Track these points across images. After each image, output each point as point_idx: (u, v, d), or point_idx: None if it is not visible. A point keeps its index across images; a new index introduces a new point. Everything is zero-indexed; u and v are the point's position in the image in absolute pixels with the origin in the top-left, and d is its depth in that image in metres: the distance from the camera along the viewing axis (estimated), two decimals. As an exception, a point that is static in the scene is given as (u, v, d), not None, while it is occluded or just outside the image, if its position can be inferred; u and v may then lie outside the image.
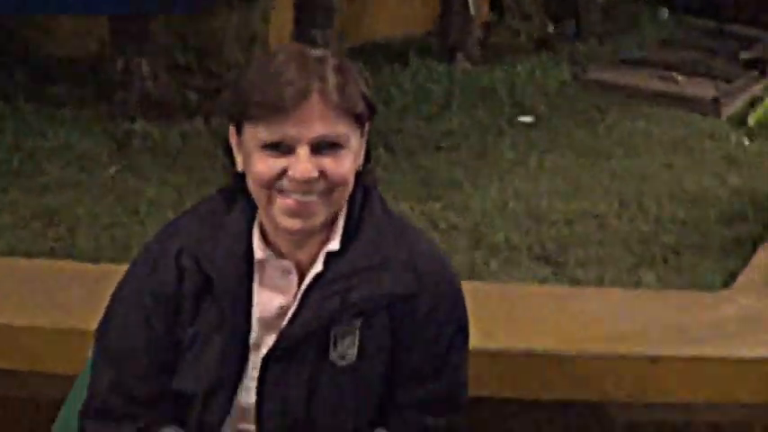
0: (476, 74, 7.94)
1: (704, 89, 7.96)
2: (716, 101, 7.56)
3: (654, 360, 3.38)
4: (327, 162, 1.80)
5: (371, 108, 1.92)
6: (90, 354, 2.19)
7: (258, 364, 1.96)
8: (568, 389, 3.34)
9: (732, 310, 3.76)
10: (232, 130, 1.92)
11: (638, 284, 4.30)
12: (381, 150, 5.79)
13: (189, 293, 1.94)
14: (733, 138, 6.79)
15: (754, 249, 4.56)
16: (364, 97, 1.88)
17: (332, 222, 1.95)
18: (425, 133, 6.34)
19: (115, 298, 2.06)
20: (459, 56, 8.33)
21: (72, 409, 2.19)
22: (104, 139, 5.92)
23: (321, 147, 1.80)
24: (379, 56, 8.26)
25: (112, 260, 4.26)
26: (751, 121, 7.06)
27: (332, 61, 1.84)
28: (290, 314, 1.94)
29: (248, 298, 1.94)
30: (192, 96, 6.71)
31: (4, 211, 4.87)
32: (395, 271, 1.94)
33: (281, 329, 1.94)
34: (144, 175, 5.41)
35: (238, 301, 1.94)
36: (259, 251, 1.93)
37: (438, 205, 5.09)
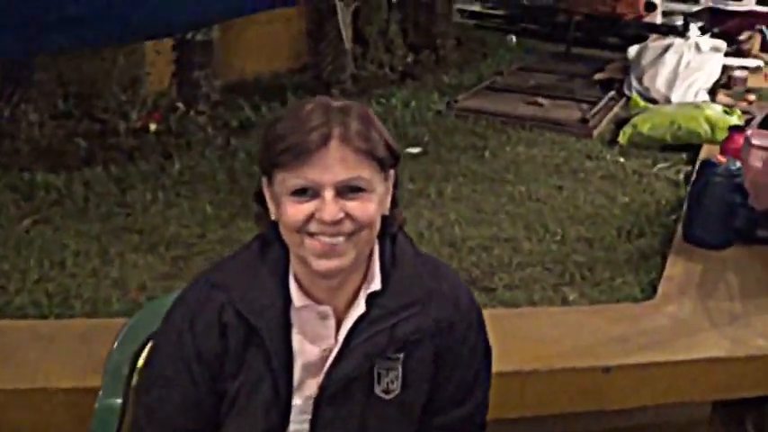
0: (354, 107, 8.04)
1: (570, 111, 8.36)
2: (584, 122, 7.92)
3: (606, 370, 3.63)
4: (352, 205, 1.84)
5: (394, 154, 1.94)
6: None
7: (302, 408, 2.02)
8: (534, 405, 3.56)
9: (661, 318, 4.08)
10: (264, 180, 1.95)
11: (564, 302, 4.55)
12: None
13: (233, 348, 1.95)
14: (608, 157, 7.17)
15: (661, 261, 4.87)
16: (386, 144, 1.90)
17: (366, 266, 2.00)
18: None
19: (156, 355, 2.05)
20: (334, 90, 8.49)
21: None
22: (8, 192, 5.82)
23: (346, 190, 1.83)
24: (253, 93, 8.36)
25: (57, 316, 4.30)
26: (621, 139, 7.46)
27: (355, 109, 1.88)
28: (332, 357, 1.98)
29: (289, 345, 1.98)
30: (82, 143, 6.67)
31: None
32: (436, 302, 2.02)
33: (327, 372, 2.00)
34: (59, 226, 5.35)
35: (283, 349, 1.98)
36: (298, 299, 1.96)
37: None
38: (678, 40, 9.27)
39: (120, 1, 5.60)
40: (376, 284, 1.99)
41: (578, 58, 11.34)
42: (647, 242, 5.33)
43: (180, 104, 7.41)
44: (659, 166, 6.93)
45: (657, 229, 5.53)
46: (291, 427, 2.02)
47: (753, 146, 5.21)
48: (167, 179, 6.11)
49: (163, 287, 4.61)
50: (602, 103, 8.56)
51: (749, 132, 5.43)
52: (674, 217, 5.62)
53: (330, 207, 1.81)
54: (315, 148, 1.79)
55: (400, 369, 2.00)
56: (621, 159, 7.10)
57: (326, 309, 1.97)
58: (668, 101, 8.55)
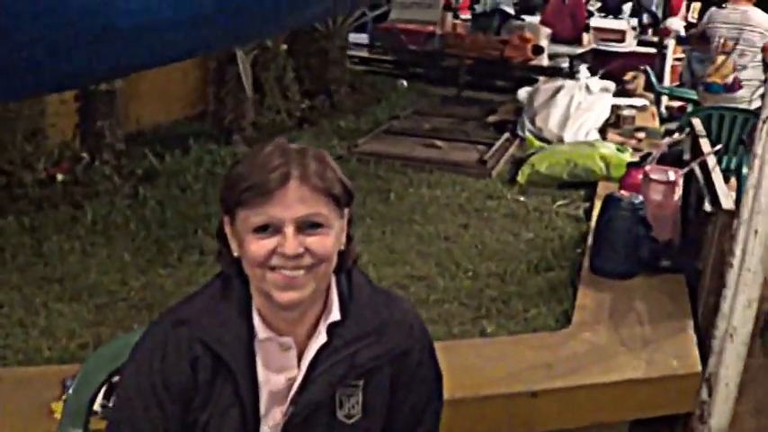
0: (257, 154, 8.13)
1: (467, 153, 8.60)
2: (482, 163, 8.17)
3: (534, 395, 3.81)
4: (311, 240, 1.94)
5: (348, 193, 2.03)
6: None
7: None
8: (465, 431, 3.71)
9: (579, 345, 4.28)
10: (226, 219, 2.04)
11: (483, 334, 4.73)
12: (201, 236, 6.02)
13: (202, 381, 2.02)
14: (509, 195, 7.41)
15: (572, 292, 5.09)
16: (341, 183, 2.00)
17: (324, 297, 2.10)
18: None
19: (124, 394, 2.10)
20: (236, 137, 8.58)
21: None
22: None
23: (305, 226, 1.93)
24: (153, 142, 8.42)
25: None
26: (520, 178, 7.71)
27: (311, 151, 1.99)
28: (296, 385, 2.08)
29: (255, 376, 2.06)
30: (-15, 196, 6.67)
31: None
32: (391, 331, 2.13)
33: (292, 399, 2.10)
34: (-24, 277, 5.37)
35: (249, 380, 2.07)
36: (261, 331, 2.05)
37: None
38: (569, 82, 9.62)
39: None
40: (335, 315, 2.10)
41: (470, 102, 11.65)
42: (556, 275, 5.55)
43: (84, 154, 7.42)
44: (558, 203, 7.19)
45: (564, 262, 5.76)
46: None
47: (652, 180, 5.48)
48: (81, 228, 6.14)
49: (92, 334, 4.67)
50: (498, 144, 8.83)
51: (648, 168, 5.70)
52: (579, 250, 5.84)
53: (291, 242, 1.93)
54: (275, 186, 1.91)
55: (361, 395, 2.12)
56: (522, 198, 7.34)
57: (288, 340, 2.08)
58: (561, 140, 8.84)
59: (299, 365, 2.10)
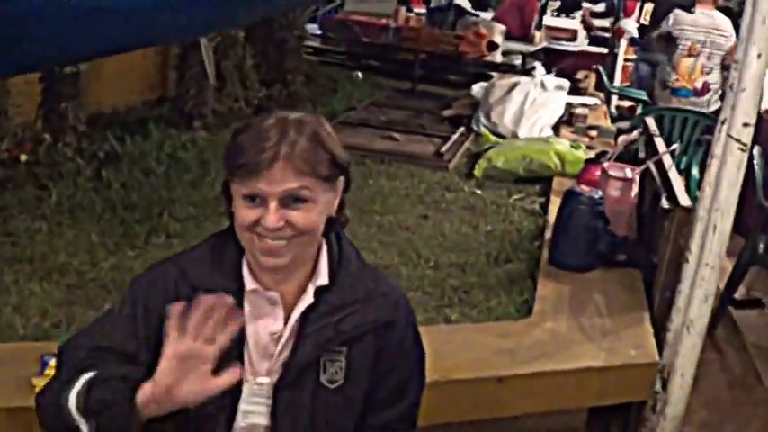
0: (216, 140, 8.23)
1: (424, 146, 8.74)
2: (439, 155, 8.31)
3: (499, 380, 3.96)
4: (294, 214, 2.06)
5: (340, 166, 2.14)
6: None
7: (253, 390, 2.21)
8: (433, 414, 3.83)
9: (541, 334, 4.44)
10: (230, 177, 2.14)
11: (448, 321, 4.87)
12: (166, 219, 6.11)
13: None
14: (466, 188, 7.55)
15: (531, 283, 5.24)
16: (334, 160, 2.11)
17: (314, 261, 2.22)
18: (199, 201, 6.61)
19: (117, 303, 2.25)
20: (197, 123, 8.64)
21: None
22: None
23: (290, 201, 2.05)
24: (112, 125, 8.41)
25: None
26: (477, 172, 7.86)
27: (309, 127, 2.09)
28: (282, 342, 2.19)
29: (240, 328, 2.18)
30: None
31: None
32: (378, 302, 2.24)
33: (285, 360, 2.21)
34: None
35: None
36: (249, 283, 2.17)
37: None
38: (524, 79, 9.79)
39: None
40: (323, 279, 2.23)
41: (424, 95, 11.79)
42: (515, 267, 5.71)
43: (47, 136, 7.44)
44: (515, 197, 7.35)
45: (522, 254, 5.91)
46: (241, 406, 2.21)
47: (611, 177, 5.66)
48: (46, 209, 6.19)
49: (64, 313, 4.74)
50: (454, 138, 8.97)
51: (606, 165, 5.87)
52: (536, 243, 5.99)
53: (272, 216, 2.06)
54: (264, 166, 2.03)
55: (344, 361, 2.23)
56: (478, 191, 7.49)
57: (275, 294, 2.20)
58: (515, 136, 8.99)
59: (285, 323, 2.22)
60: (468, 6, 14.05)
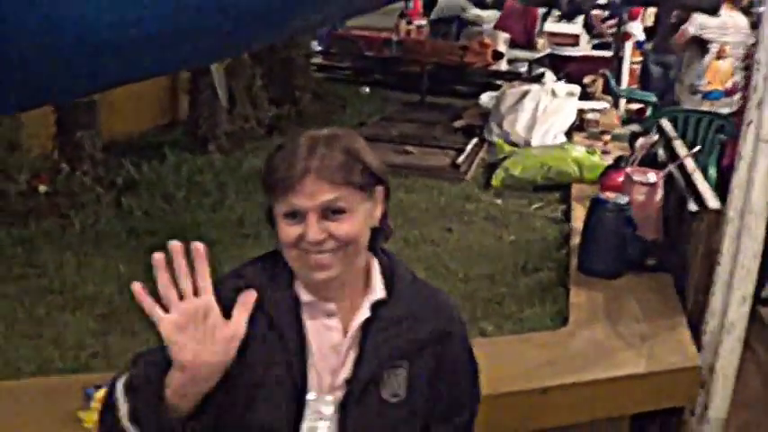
0: (232, 163, 8.27)
1: (439, 158, 8.76)
2: (456, 167, 8.32)
3: (544, 391, 3.96)
4: (334, 225, 2.06)
5: (378, 178, 2.16)
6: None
7: (316, 406, 2.16)
8: (484, 428, 3.84)
9: (580, 343, 4.43)
10: (269, 199, 2.15)
11: (483, 334, 4.86)
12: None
13: (251, 337, 2.08)
14: (485, 198, 7.56)
15: (564, 292, 5.24)
16: (368, 170, 2.12)
17: (365, 275, 2.22)
18: (221, 223, 6.63)
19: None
20: (211, 146, 8.66)
21: None
22: None
23: (328, 213, 2.06)
24: (128, 151, 8.46)
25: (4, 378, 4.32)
26: (495, 182, 7.87)
27: (340, 141, 2.10)
28: (343, 357, 2.18)
29: (303, 337, 2.16)
30: (-28, 207, 6.71)
31: None
32: (435, 314, 2.25)
33: (349, 376, 2.18)
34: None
35: (296, 340, 2.16)
36: (304, 295, 2.17)
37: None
38: (535, 87, 9.80)
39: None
40: (380, 293, 2.23)
41: (432, 107, 11.81)
42: (545, 275, 5.70)
43: (64, 165, 7.46)
44: (535, 205, 7.36)
45: (550, 263, 5.91)
46: (305, 425, 2.17)
47: (635, 182, 5.65)
48: (71, 239, 6.21)
49: (101, 344, 4.75)
50: (468, 149, 8.99)
51: (629, 170, 5.87)
52: (563, 251, 5.99)
53: (312, 229, 2.06)
54: (297, 180, 2.05)
55: (405, 375, 2.22)
56: (498, 201, 7.50)
57: (331, 306, 2.20)
58: (528, 144, 9.00)
59: (344, 337, 2.21)
60: (473, 12, 14.03)
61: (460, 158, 8.51)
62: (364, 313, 2.21)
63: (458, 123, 10.39)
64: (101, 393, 3.97)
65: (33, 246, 6.07)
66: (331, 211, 2.08)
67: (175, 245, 1.95)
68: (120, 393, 2.07)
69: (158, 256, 1.95)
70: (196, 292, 1.97)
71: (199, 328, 1.96)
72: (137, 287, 1.96)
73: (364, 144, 2.18)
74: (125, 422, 2.03)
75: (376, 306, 2.22)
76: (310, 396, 2.18)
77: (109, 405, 2.11)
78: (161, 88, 9.77)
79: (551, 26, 14.92)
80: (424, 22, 14.79)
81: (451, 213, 7.12)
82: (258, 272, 2.23)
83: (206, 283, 1.97)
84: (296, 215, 2.07)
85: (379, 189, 2.20)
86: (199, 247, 1.98)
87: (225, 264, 5.81)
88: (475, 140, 9.38)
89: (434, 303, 2.31)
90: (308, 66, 11.56)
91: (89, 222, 6.50)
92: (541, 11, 14.69)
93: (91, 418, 3.90)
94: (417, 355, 2.24)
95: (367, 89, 12.63)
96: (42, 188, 7.12)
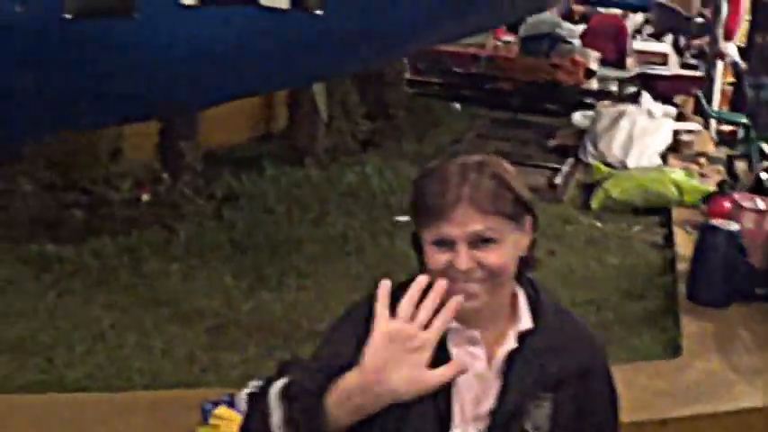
0: (331, 177, 8.31)
1: (535, 177, 8.67)
2: (553, 187, 8.27)
3: (663, 423, 3.92)
4: (483, 255, 2.01)
5: (525, 205, 2.11)
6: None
7: None
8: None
9: (694, 373, 4.39)
10: (417, 225, 2.10)
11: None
12: (295, 259, 6.16)
13: None
14: (584, 221, 7.51)
15: (671, 320, 5.19)
16: (518, 199, 2.07)
17: (510, 305, 2.21)
18: (323, 239, 6.68)
19: (328, 332, 2.20)
20: (308, 160, 8.70)
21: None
22: (20, 264, 5.93)
23: (477, 242, 2.01)
24: (225, 163, 8.48)
25: (117, 389, 4.44)
26: (594, 204, 7.82)
27: (489, 168, 2.06)
28: (486, 386, 2.14)
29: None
30: (78, 214, 6.80)
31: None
32: (579, 346, 2.18)
33: (492, 407, 2.11)
34: (85, 298, 5.52)
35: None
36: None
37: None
38: (631, 107, 9.72)
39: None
40: (526, 323, 2.17)
41: (524, 125, 11.72)
42: (651, 302, 5.65)
43: (165, 175, 7.54)
44: (635, 229, 7.29)
45: (654, 290, 5.85)
46: None
47: (744, 209, 5.59)
48: (175, 251, 6.26)
49: (210, 358, 4.80)
50: (565, 169, 8.92)
51: (737, 196, 5.81)
52: (667, 277, 5.93)
53: (462, 258, 2.02)
54: (447, 209, 2.01)
55: (550, 407, 2.15)
56: (598, 224, 7.43)
57: (476, 333, 2.14)
58: (624, 165, 8.92)
59: (488, 367, 2.15)
60: (568, 27, 13.96)
61: (558, 179, 8.45)
62: (511, 343, 2.17)
63: (552, 142, 10.32)
64: (220, 410, 4.03)
65: (139, 256, 6.13)
66: (480, 241, 2.04)
67: (441, 285, 1.92)
68: (273, 400, 2.07)
69: (386, 284, 1.93)
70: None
71: (405, 353, 1.93)
72: (385, 285, 1.92)
73: (514, 172, 2.14)
74: (276, 430, 2.04)
75: (522, 336, 2.18)
76: (456, 430, 2.13)
77: (256, 412, 2.11)
78: (257, 101, 9.81)
79: (639, 44, 14.79)
80: (511, 38, 14.72)
81: (551, 235, 7.07)
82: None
83: (441, 325, 1.95)
84: (445, 243, 2.05)
85: (528, 218, 2.16)
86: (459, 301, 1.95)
87: (331, 280, 5.95)
88: (571, 160, 9.30)
89: (579, 335, 2.25)
90: (401, 81, 11.54)
91: (191, 233, 6.56)
92: (631, 29, 14.60)
93: (210, 434, 3.96)
94: (562, 387, 2.17)
95: (458, 105, 12.58)
96: (145, 197, 7.20)
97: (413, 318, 1.91)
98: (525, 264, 2.21)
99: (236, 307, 5.42)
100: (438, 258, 2.07)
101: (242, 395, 4.23)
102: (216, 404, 4.12)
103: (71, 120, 4.84)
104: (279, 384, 2.06)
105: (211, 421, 3.97)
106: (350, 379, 1.94)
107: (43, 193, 6.94)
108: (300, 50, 4.78)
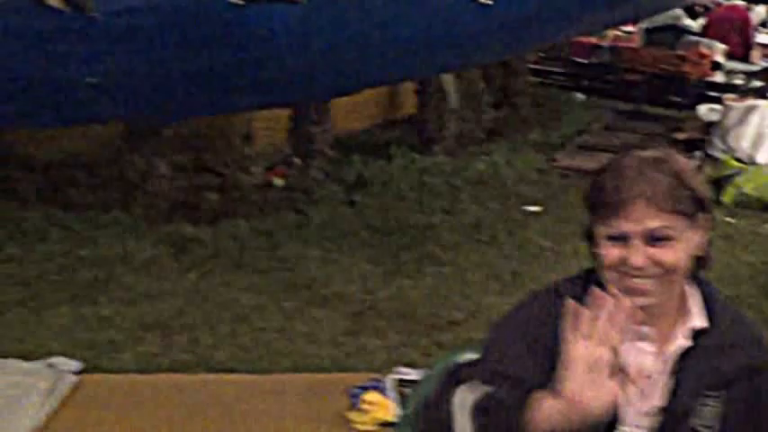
0: (460, 165, 8.33)
1: (663, 171, 8.56)
2: (681, 181, 8.14)
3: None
4: (658, 252, 2.00)
5: (703, 205, 2.09)
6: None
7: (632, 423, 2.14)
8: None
9: None
10: (591, 218, 2.12)
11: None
12: (431, 246, 6.18)
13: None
14: (717, 217, 7.37)
15: (816, 321, 5.09)
16: (695, 197, 2.05)
17: (679, 303, 2.15)
18: (457, 227, 6.71)
19: (497, 331, 2.22)
20: (436, 147, 8.72)
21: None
22: (161, 246, 6.06)
23: (652, 239, 2.00)
24: (353, 148, 8.51)
25: (254, 371, 4.54)
26: (726, 199, 7.70)
27: (668, 165, 2.04)
28: (658, 386, 2.15)
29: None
30: (212, 197, 6.90)
31: (104, 325, 4.99)
32: (752, 345, 2.17)
33: (663, 405, 2.12)
34: (223, 279, 5.65)
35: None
36: None
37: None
38: (761, 102, 9.54)
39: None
40: (701, 321, 2.16)
41: (648, 117, 11.58)
42: (792, 302, 5.55)
43: (297, 160, 7.63)
44: (768, 225, 7.17)
45: (797, 289, 5.75)
46: None
47: None
48: (311, 234, 6.34)
49: (353, 343, 4.85)
50: (695, 163, 8.78)
51: None
52: (811, 277, 5.82)
53: (637, 255, 2.02)
54: (623, 205, 2.01)
55: (720, 406, 2.14)
56: (732, 219, 7.31)
57: (647, 330, 2.14)
58: (753, 161, 8.76)
59: (658, 363, 2.15)
60: (692, 24, 13.72)
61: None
62: (680, 343, 2.16)
63: (680, 136, 10.17)
64: (369, 395, 4.08)
65: (275, 239, 6.22)
66: (656, 238, 2.04)
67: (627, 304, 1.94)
68: (458, 409, 2.09)
69: (572, 304, 1.94)
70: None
71: (600, 377, 1.90)
72: (571, 305, 1.93)
73: (692, 168, 2.13)
74: None
75: (695, 334, 2.17)
76: (624, 428, 2.14)
77: (434, 422, 2.14)
78: (384, 88, 9.83)
79: (761, 37, 14.46)
80: (633, 28, 14.50)
81: (684, 231, 6.94)
82: (572, 288, 2.18)
83: (620, 337, 1.93)
84: (619, 238, 2.05)
85: (704, 217, 2.14)
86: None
87: (467, 269, 5.96)
88: (699, 154, 9.16)
89: (750, 334, 2.23)
90: (526, 70, 11.47)
91: (325, 218, 6.63)
92: (755, 21, 14.26)
93: (361, 419, 4.01)
94: (732, 386, 2.17)
95: (581, 96, 12.46)
96: (278, 182, 7.29)
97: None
98: (699, 262, 2.20)
99: (374, 293, 5.46)
100: (612, 253, 2.07)
101: (388, 381, 4.29)
102: (363, 389, 4.18)
103: (226, 102, 4.97)
104: (468, 396, 2.08)
105: (362, 407, 4.03)
106: (550, 403, 1.93)
107: (177, 175, 7.06)
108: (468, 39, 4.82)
